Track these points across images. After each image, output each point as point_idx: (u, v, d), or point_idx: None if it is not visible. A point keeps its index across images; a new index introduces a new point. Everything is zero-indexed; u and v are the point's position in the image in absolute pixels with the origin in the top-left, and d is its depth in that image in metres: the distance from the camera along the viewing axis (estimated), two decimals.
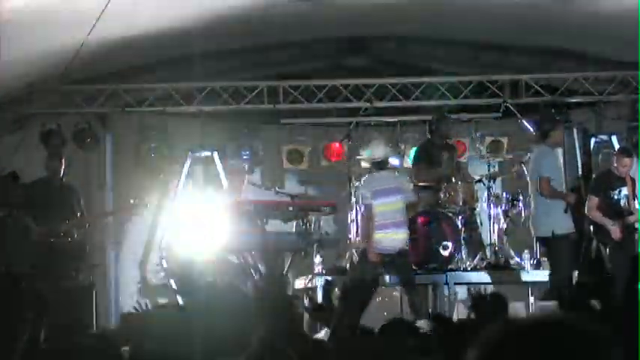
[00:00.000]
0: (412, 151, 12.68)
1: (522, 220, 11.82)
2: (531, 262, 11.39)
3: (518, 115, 12.35)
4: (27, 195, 10.95)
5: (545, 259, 11.31)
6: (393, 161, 11.31)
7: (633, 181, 10.41)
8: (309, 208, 10.53)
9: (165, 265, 12.77)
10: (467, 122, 12.74)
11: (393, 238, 10.13)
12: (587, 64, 12.74)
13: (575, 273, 10.44)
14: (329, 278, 10.60)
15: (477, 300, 4.55)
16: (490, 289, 10.45)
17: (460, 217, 11.41)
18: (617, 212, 10.36)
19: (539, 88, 12.44)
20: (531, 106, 12.56)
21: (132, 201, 11.74)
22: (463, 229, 11.37)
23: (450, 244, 11.17)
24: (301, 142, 13.17)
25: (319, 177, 13.36)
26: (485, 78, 12.57)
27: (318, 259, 11.43)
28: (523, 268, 11.38)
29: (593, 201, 10.47)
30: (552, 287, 10.06)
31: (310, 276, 11.02)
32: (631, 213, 10.40)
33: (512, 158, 12.27)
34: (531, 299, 11.27)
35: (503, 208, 11.73)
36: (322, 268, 11.47)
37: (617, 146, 12.11)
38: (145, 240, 13.31)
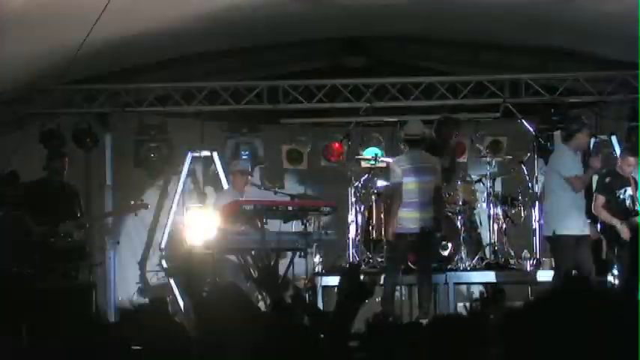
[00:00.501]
0: None
1: (522, 220, 11.84)
2: (531, 261, 11.39)
3: (518, 115, 12.35)
4: (27, 195, 10.95)
5: (545, 259, 11.33)
6: (392, 159, 11.30)
7: (635, 181, 10.39)
8: (309, 208, 10.53)
9: (165, 265, 12.78)
10: (466, 122, 12.74)
11: (416, 217, 10.15)
12: (587, 64, 12.73)
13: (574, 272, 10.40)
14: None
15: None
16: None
17: (460, 217, 11.41)
18: (621, 212, 10.33)
19: (539, 88, 12.44)
20: (531, 106, 12.57)
21: (132, 202, 11.76)
22: (463, 229, 11.37)
23: (449, 244, 11.18)
24: (301, 142, 13.16)
25: (319, 177, 13.36)
26: (485, 78, 12.56)
27: (318, 259, 11.44)
28: (523, 268, 11.38)
29: (600, 200, 10.42)
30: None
31: (310, 276, 11.02)
32: (637, 214, 10.37)
33: (512, 158, 12.27)
34: (531, 299, 11.25)
35: (502, 208, 11.74)
36: (322, 268, 11.47)
37: (616, 146, 12.12)
38: (144, 240, 13.32)
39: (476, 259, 11.43)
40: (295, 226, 11.07)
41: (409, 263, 10.68)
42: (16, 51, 10.32)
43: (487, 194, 11.71)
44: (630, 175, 10.40)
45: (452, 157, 11.92)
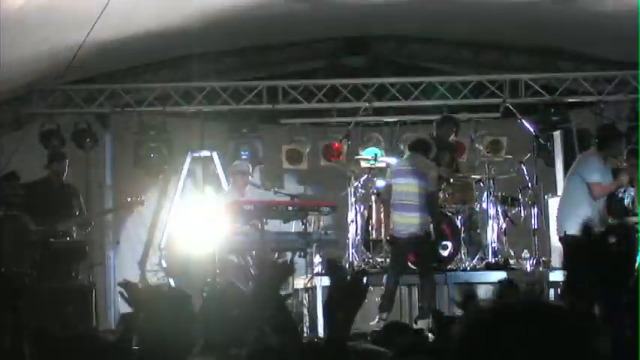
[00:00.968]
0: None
1: (522, 219, 11.83)
2: (531, 261, 11.38)
3: (518, 115, 12.35)
4: (27, 195, 10.95)
5: (544, 259, 11.34)
6: (392, 161, 11.31)
7: (637, 182, 10.37)
8: (309, 208, 10.52)
9: (164, 265, 12.78)
10: (466, 122, 12.74)
11: (405, 222, 10.16)
12: (587, 64, 12.74)
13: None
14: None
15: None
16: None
17: (460, 217, 11.41)
18: (619, 211, 10.32)
19: (538, 88, 12.44)
20: (531, 106, 12.57)
21: (129, 199, 11.74)
22: (463, 229, 11.37)
23: (449, 244, 11.17)
24: (301, 142, 13.16)
25: (319, 177, 13.35)
26: (484, 78, 12.57)
27: (318, 259, 11.43)
28: (522, 268, 11.37)
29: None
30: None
31: (310, 276, 11.02)
32: (634, 214, 10.37)
33: (512, 158, 12.26)
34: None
35: (502, 208, 11.74)
36: (322, 268, 11.46)
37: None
38: (144, 240, 13.32)
39: (476, 259, 11.42)
40: (295, 226, 11.06)
41: (409, 264, 10.67)
42: (16, 51, 10.32)
43: (487, 194, 11.70)
44: (632, 175, 10.39)
45: (452, 156, 11.93)
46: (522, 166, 11.82)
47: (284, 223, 11.00)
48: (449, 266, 11.15)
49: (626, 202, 10.43)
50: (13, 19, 9.36)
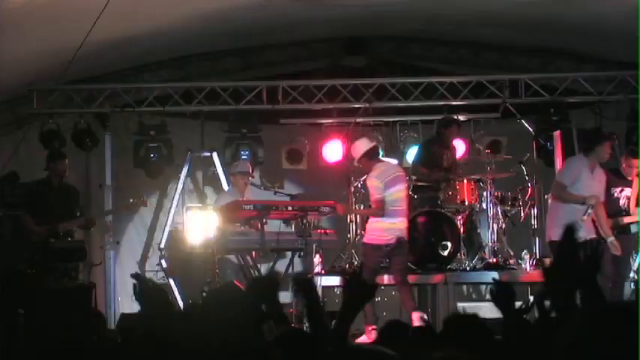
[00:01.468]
0: (412, 151, 12.69)
1: (522, 220, 11.83)
2: (531, 261, 11.38)
3: (518, 115, 12.36)
4: (27, 195, 10.96)
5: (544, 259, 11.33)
6: (392, 161, 11.31)
7: (636, 182, 10.36)
8: (309, 208, 10.52)
9: (164, 265, 12.79)
10: (466, 122, 12.74)
11: (395, 227, 10.13)
12: (586, 64, 12.74)
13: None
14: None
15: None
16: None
17: (460, 217, 11.41)
18: (613, 210, 10.32)
19: (538, 88, 12.44)
20: (531, 106, 12.57)
21: (131, 200, 11.77)
22: (463, 229, 11.37)
23: (449, 244, 11.17)
24: (301, 142, 13.16)
25: (319, 177, 13.35)
26: (484, 78, 12.57)
27: (317, 259, 11.43)
28: (522, 268, 11.37)
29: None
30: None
31: (310, 276, 11.02)
32: (628, 214, 10.37)
33: (511, 158, 12.26)
34: (531, 298, 11.26)
35: (502, 208, 11.74)
36: (322, 268, 11.46)
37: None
38: (144, 240, 13.33)
39: (476, 259, 11.43)
40: (295, 226, 11.06)
41: (409, 264, 10.68)
42: (16, 51, 10.33)
43: (487, 194, 11.70)
44: (631, 176, 10.39)
45: (452, 156, 11.93)
46: (522, 166, 11.82)
47: (284, 223, 11.01)
48: (449, 266, 11.16)
49: (620, 202, 10.44)
50: (14, 19, 9.36)
